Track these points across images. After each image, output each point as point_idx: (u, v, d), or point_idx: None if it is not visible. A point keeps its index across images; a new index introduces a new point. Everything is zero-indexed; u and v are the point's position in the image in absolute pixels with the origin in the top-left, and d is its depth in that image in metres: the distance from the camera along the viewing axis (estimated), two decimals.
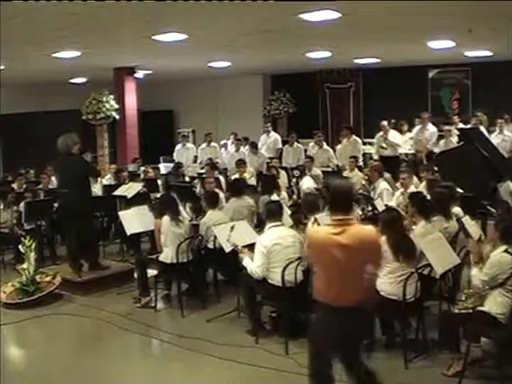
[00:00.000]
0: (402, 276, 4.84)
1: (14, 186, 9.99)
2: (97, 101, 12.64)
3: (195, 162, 12.95)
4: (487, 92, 13.21)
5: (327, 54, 11.73)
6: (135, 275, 6.98)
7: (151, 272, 6.58)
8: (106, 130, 13.30)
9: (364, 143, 12.89)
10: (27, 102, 15.16)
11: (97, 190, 9.51)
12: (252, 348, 5.29)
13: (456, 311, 4.65)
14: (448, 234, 5.58)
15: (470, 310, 4.51)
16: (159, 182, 9.97)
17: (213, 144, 13.13)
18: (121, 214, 7.31)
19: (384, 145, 11.49)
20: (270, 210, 5.58)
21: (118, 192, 8.95)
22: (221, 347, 5.29)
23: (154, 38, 8.68)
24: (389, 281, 4.89)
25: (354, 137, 11.77)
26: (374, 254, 3.76)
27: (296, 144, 12.49)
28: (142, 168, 11.41)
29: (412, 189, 7.40)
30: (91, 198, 7.59)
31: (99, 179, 9.95)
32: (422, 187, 7.54)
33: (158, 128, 17.16)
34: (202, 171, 11.25)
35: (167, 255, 6.31)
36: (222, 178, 10.23)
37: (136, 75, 13.66)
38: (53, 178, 9.54)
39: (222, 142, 13.81)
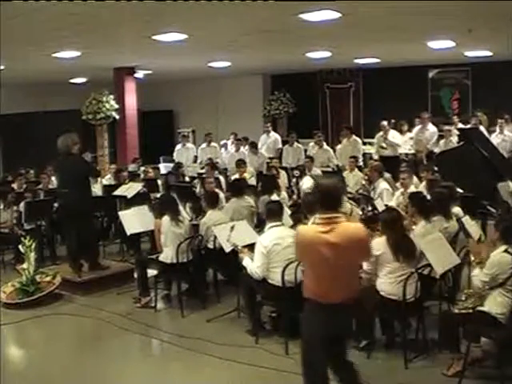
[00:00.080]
0: (402, 276, 4.84)
1: (14, 185, 9.99)
2: (97, 101, 12.64)
3: (195, 162, 12.95)
4: (487, 92, 13.21)
5: (327, 54, 11.73)
6: (135, 275, 6.98)
7: (151, 272, 6.58)
8: (106, 130, 13.30)
9: (364, 143, 12.89)
10: (27, 102, 15.16)
11: (97, 190, 9.51)
12: (252, 348, 5.29)
13: (456, 311, 4.65)
14: (448, 234, 5.58)
15: (470, 310, 4.51)
16: (159, 181, 9.97)
17: (213, 144, 13.13)
18: (121, 214, 7.31)
19: (384, 145, 11.50)
20: (270, 209, 5.58)
21: (117, 192, 8.95)
22: (221, 347, 5.29)
23: (153, 37, 8.68)
24: (389, 281, 4.89)
25: (354, 137, 11.78)
26: (363, 251, 3.78)
27: (296, 144, 12.49)
28: (142, 168, 11.41)
29: (412, 189, 7.40)
30: (91, 198, 7.58)
31: (99, 179, 9.95)
32: (422, 187, 7.54)
33: (158, 128, 17.16)
34: (202, 171, 11.25)
35: (167, 255, 6.31)
36: (221, 178, 10.24)
37: (136, 75, 13.66)
38: (53, 178, 9.55)
39: (222, 142, 13.81)
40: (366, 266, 5.05)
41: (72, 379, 4.95)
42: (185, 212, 7.06)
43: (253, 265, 5.31)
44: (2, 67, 10.83)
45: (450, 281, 5.44)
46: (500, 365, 4.42)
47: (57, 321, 6.26)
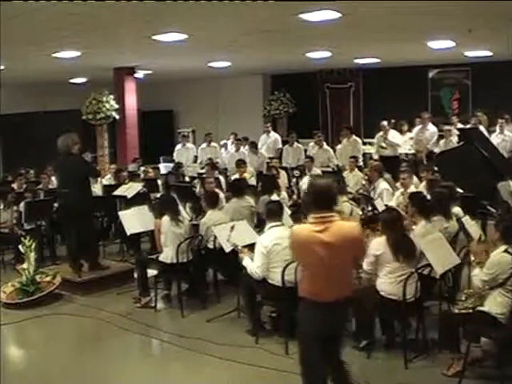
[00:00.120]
0: (402, 276, 4.84)
1: (14, 185, 9.99)
2: (97, 101, 12.64)
3: (195, 161, 12.95)
4: (487, 92, 13.21)
5: (327, 54, 11.73)
6: (135, 275, 6.98)
7: (151, 272, 6.58)
8: (106, 130, 13.30)
9: (364, 143, 12.89)
10: (27, 102, 15.16)
11: (97, 190, 9.51)
12: (252, 348, 5.29)
13: (456, 311, 4.65)
14: (448, 234, 5.58)
15: (470, 310, 4.51)
16: (159, 181, 9.98)
17: (213, 144, 13.13)
18: (121, 214, 7.31)
19: (384, 144, 11.50)
20: (271, 209, 5.58)
21: (117, 192, 8.95)
22: (221, 347, 5.29)
23: (153, 37, 8.68)
24: (389, 281, 4.89)
25: (354, 137, 11.78)
26: (357, 250, 3.80)
27: (296, 144, 12.49)
28: (142, 168, 11.41)
29: (412, 189, 7.40)
30: (91, 198, 7.58)
31: (99, 179, 9.96)
32: (422, 187, 7.54)
33: (158, 128, 17.16)
34: (202, 171, 11.25)
35: (167, 255, 6.31)
36: (221, 178, 10.24)
37: (136, 75, 13.66)
38: (53, 178, 9.55)
39: (222, 142, 13.81)
40: (365, 265, 5.06)
41: (72, 379, 4.95)
42: (185, 212, 7.06)
43: (253, 265, 5.31)
44: (2, 67, 10.83)
45: (449, 281, 5.44)
46: (500, 365, 4.42)
47: (57, 321, 6.26)
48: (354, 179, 9.23)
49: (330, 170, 10.89)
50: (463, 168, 7.89)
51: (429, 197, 6.32)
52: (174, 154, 13.26)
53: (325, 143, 12.09)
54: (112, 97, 12.84)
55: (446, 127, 11.22)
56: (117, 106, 12.86)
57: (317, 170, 10.20)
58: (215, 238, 6.27)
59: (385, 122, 11.63)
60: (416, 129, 11.80)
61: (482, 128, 11.13)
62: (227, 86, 16.79)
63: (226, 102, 16.92)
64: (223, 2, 6.34)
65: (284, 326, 5.32)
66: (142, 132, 14.49)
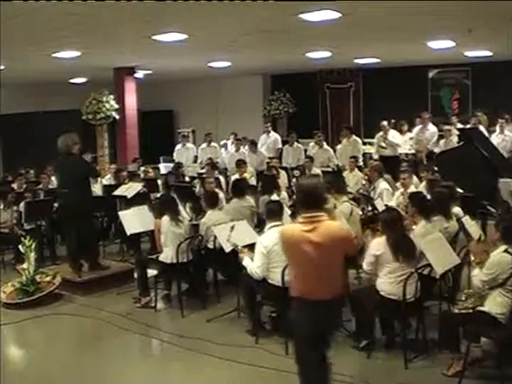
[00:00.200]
0: (401, 276, 4.84)
1: (14, 185, 9.99)
2: (97, 101, 12.63)
3: (195, 161, 12.95)
4: (487, 92, 13.21)
5: (327, 53, 11.73)
6: (135, 275, 6.98)
7: (151, 272, 6.58)
8: (106, 130, 13.30)
9: (364, 143, 12.89)
10: (27, 102, 15.16)
11: (97, 190, 9.51)
12: (252, 348, 5.29)
13: (456, 311, 4.65)
14: (448, 234, 5.58)
15: (470, 310, 4.51)
16: (159, 181, 9.98)
17: (213, 144, 13.13)
18: (121, 214, 7.31)
19: (383, 144, 11.50)
20: (271, 209, 5.58)
21: (117, 192, 8.95)
22: (221, 347, 5.29)
23: (153, 37, 8.68)
24: (389, 281, 4.89)
25: (353, 137, 11.78)
26: (347, 248, 3.81)
27: (296, 144, 12.49)
28: (142, 168, 11.41)
29: (412, 189, 7.40)
30: (91, 198, 7.58)
31: (99, 179, 9.96)
32: (422, 187, 7.54)
33: (158, 128, 17.16)
34: (202, 171, 11.25)
35: (167, 255, 6.31)
36: (221, 178, 10.24)
37: (136, 75, 13.66)
38: (53, 178, 9.55)
39: (222, 142, 13.81)
40: (365, 265, 5.07)
41: (72, 379, 4.95)
42: (185, 212, 7.06)
43: (253, 265, 5.31)
44: (2, 67, 10.83)
45: (449, 281, 5.44)
46: (500, 365, 4.42)
47: (57, 321, 6.26)
48: (354, 179, 9.23)
49: (329, 170, 10.89)
50: (463, 168, 7.89)
51: (429, 197, 6.32)
52: (174, 154, 13.26)
53: (325, 143, 12.09)
54: (112, 97, 12.84)
55: (446, 127, 11.22)
56: (117, 106, 12.85)
57: (317, 170, 10.20)
58: (215, 237, 6.27)
59: (385, 122, 11.63)
60: (416, 129, 11.81)
61: (481, 128, 11.14)
62: (227, 86, 16.79)
63: (226, 102, 16.92)
64: (223, 2, 6.34)
65: (284, 326, 5.32)
66: (142, 132, 14.48)
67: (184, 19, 7.49)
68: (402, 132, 11.90)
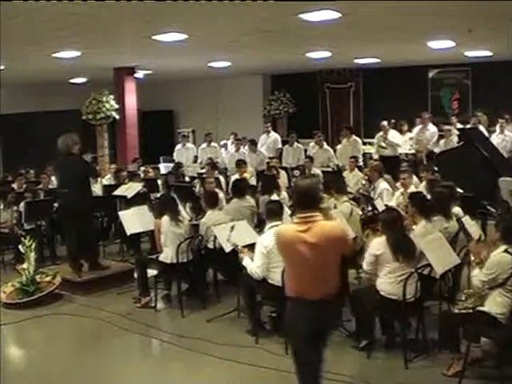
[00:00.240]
0: (401, 276, 4.85)
1: (14, 185, 9.99)
2: (97, 101, 12.63)
3: (195, 162, 12.95)
4: (487, 92, 13.21)
5: (327, 53, 11.73)
6: (135, 275, 6.98)
7: (151, 272, 6.58)
8: (106, 130, 13.30)
9: (364, 143, 12.90)
10: (27, 102, 15.16)
11: (97, 190, 9.51)
12: (252, 348, 5.29)
13: (456, 311, 4.65)
14: (448, 234, 5.58)
15: (470, 310, 4.51)
16: (159, 181, 9.98)
17: (213, 144, 13.13)
18: (121, 214, 7.31)
19: (383, 144, 11.50)
20: (271, 209, 5.58)
21: (117, 192, 8.96)
22: (221, 347, 5.29)
23: (153, 37, 8.68)
24: (389, 281, 4.90)
25: (353, 137, 11.78)
26: (342, 248, 3.82)
27: (296, 144, 12.49)
28: (142, 168, 11.41)
29: (412, 189, 7.40)
30: (91, 198, 7.58)
31: (99, 179, 9.96)
32: (422, 187, 7.54)
33: (158, 128, 17.16)
34: (202, 171, 11.25)
35: (167, 255, 6.31)
36: (221, 178, 10.24)
37: (136, 75, 13.66)
38: (53, 178, 9.55)
39: (222, 143, 13.81)
40: (365, 265, 5.07)
41: (72, 379, 4.95)
42: (185, 212, 7.06)
43: (253, 265, 5.31)
44: (2, 67, 10.83)
45: (450, 281, 5.44)
46: (500, 365, 4.43)
47: (57, 321, 6.26)
48: (354, 179, 9.23)
49: (329, 170, 10.90)
50: (463, 168, 7.90)
51: (429, 197, 6.32)
52: (174, 154, 13.26)
53: (325, 143, 12.09)
54: (112, 97, 12.84)
55: (446, 127, 11.23)
56: (117, 106, 12.85)
57: (317, 170, 10.20)
58: (215, 237, 6.27)
59: (385, 122, 11.64)
60: (416, 129, 11.81)
61: (481, 128, 11.14)
62: (227, 86, 16.79)
63: (226, 102, 16.92)
64: (223, 2, 6.34)
65: (284, 325, 5.31)
66: (141, 132, 14.48)
67: (184, 19, 7.49)
68: (402, 132, 11.90)
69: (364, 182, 8.74)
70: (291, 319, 3.75)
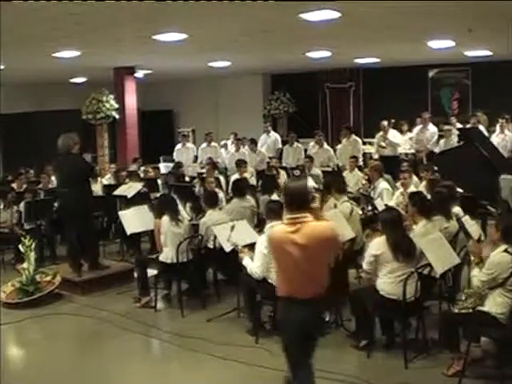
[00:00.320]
0: (401, 276, 4.85)
1: (14, 185, 9.98)
2: (97, 100, 12.64)
3: (195, 161, 12.94)
4: (487, 92, 13.21)
5: (327, 53, 11.73)
6: (135, 275, 6.98)
7: (151, 272, 6.58)
8: (106, 129, 13.30)
9: (364, 143, 12.90)
10: (27, 102, 15.17)
11: (97, 189, 9.51)
12: (252, 348, 5.29)
13: (456, 311, 4.66)
14: (448, 234, 5.58)
15: (470, 310, 4.52)
16: (159, 181, 9.98)
17: (213, 144, 13.11)
18: (121, 213, 7.31)
19: (383, 144, 11.50)
20: (271, 209, 5.58)
21: (117, 192, 8.96)
22: (221, 347, 5.29)
23: (153, 37, 8.68)
24: (389, 281, 4.90)
25: (353, 136, 11.77)
26: (332, 248, 3.91)
27: (296, 144, 12.48)
28: (143, 168, 11.41)
29: (412, 189, 7.39)
30: (91, 198, 7.58)
31: (99, 179, 9.96)
32: (422, 187, 7.54)
33: (158, 128, 17.15)
34: (202, 171, 11.24)
35: (167, 255, 6.31)
36: (221, 178, 10.24)
37: (136, 75, 13.66)
38: (53, 178, 9.54)
39: (222, 143, 13.80)
40: (365, 265, 5.07)
41: (72, 379, 4.95)
42: (185, 212, 7.06)
43: (253, 264, 5.31)
44: (2, 67, 10.83)
45: (450, 281, 5.44)
46: (500, 365, 4.43)
47: (57, 320, 6.26)
48: (354, 179, 9.22)
49: (329, 169, 10.89)
50: (463, 168, 7.89)
51: (429, 197, 6.32)
52: (174, 154, 13.24)
53: (325, 143, 12.09)
54: (112, 96, 12.85)
55: (446, 127, 11.23)
56: (117, 106, 12.86)
57: (316, 170, 10.20)
58: (215, 237, 6.27)
59: (385, 122, 11.64)
60: (416, 129, 11.81)
61: (481, 127, 11.14)
62: (227, 86, 16.79)
63: (226, 101, 16.92)
64: (223, 2, 6.34)
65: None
66: (141, 132, 14.47)
67: (184, 19, 7.49)
68: (402, 132, 11.91)
69: (364, 181, 8.74)
70: (282, 318, 3.81)
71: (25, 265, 6.77)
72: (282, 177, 9.94)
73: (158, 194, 8.86)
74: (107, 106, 12.66)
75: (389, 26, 8.37)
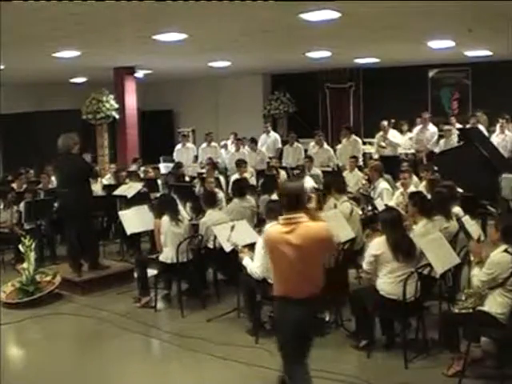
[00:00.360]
0: (401, 276, 4.85)
1: (14, 185, 9.99)
2: (97, 100, 12.64)
3: (195, 161, 12.94)
4: (487, 92, 13.21)
5: (327, 53, 11.73)
6: (135, 275, 6.98)
7: (151, 272, 6.58)
8: (106, 129, 13.30)
9: (364, 143, 12.90)
10: (27, 102, 15.16)
11: (97, 189, 9.51)
12: (252, 348, 5.29)
13: (456, 311, 4.65)
14: (448, 234, 5.58)
15: (470, 310, 4.51)
16: (159, 181, 9.98)
17: (213, 144, 13.11)
18: (121, 213, 7.32)
19: (383, 144, 11.50)
20: (271, 209, 5.57)
21: (117, 192, 8.96)
22: (221, 347, 5.29)
23: (153, 37, 8.68)
24: (389, 281, 4.90)
25: (353, 136, 11.77)
26: (327, 248, 3.92)
27: (296, 144, 12.49)
28: (143, 168, 11.41)
29: (412, 189, 7.39)
30: (91, 198, 7.58)
31: (99, 179, 9.95)
32: (422, 187, 7.54)
33: (158, 128, 17.14)
34: (202, 171, 11.24)
35: (167, 255, 6.31)
36: (222, 178, 10.24)
37: (136, 75, 13.66)
38: (53, 178, 9.54)
39: (222, 143, 13.80)
40: (365, 265, 5.07)
41: (72, 379, 4.95)
42: (185, 212, 7.06)
43: (253, 264, 5.31)
44: (2, 67, 10.83)
45: (450, 281, 5.44)
46: (500, 365, 4.43)
47: (57, 320, 6.26)
48: (354, 179, 9.22)
49: (329, 169, 10.89)
50: (463, 168, 7.90)
51: (429, 197, 6.32)
52: (174, 154, 13.24)
53: (325, 143, 12.09)
54: (112, 96, 12.84)
55: (446, 127, 11.23)
56: (117, 106, 12.85)
57: (316, 170, 10.20)
58: (215, 237, 6.27)
59: (385, 122, 11.64)
60: (416, 129, 11.81)
61: (481, 127, 11.14)
62: (227, 86, 16.79)
63: (226, 101, 16.92)
64: (223, 2, 6.34)
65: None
66: (141, 132, 14.47)
67: (184, 19, 7.49)
68: (402, 132, 11.90)
69: (364, 181, 8.74)
70: (278, 318, 3.86)
71: (25, 265, 6.77)
72: (282, 177, 9.94)
73: (158, 194, 8.87)
74: (107, 105, 12.66)
75: (389, 26, 8.37)
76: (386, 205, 7.08)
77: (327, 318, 5.61)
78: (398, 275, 4.86)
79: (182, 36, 8.66)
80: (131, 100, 13.54)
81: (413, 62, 13.34)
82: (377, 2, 6.54)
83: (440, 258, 5.02)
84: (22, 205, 8.49)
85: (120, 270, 7.51)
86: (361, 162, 10.86)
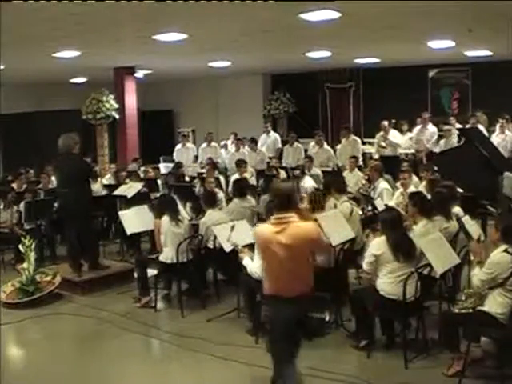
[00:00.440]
0: (401, 276, 4.85)
1: (14, 185, 9.99)
2: (97, 100, 12.64)
3: (195, 161, 12.94)
4: (487, 92, 13.21)
5: (327, 53, 11.73)
6: (135, 275, 6.98)
7: (151, 272, 6.58)
8: (106, 129, 13.30)
9: (364, 143, 12.90)
10: (27, 102, 15.16)
11: (97, 189, 9.51)
12: (252, 348, 5.29)
13: (456, 311, 4.65)
14: (448, 234, 5.58)
15: (470, 310, 4.52)
16: (159, 181, 9.97)
17: (213, 144, 13.12)
18: (121, 213, 7.31)
19: (383, 144, 11.50)
20: (271, 209, 5.56)
21: (117, 192, 8.96)
22: (221, 347, 5.29)
23: (153, 37, 8.68)
24: (389, 281, 4.90)
25: (353, 136, 11.78)
26: (316, 247, 4.03)
27: (296, 144, 12.49)
28: (142, 168, 11.41)
29: (412, 189, 7.39)
30: (91, 198, 7.58)
31: (99, 179, 9.95)
32: (422, 187, 7.54)
33: (158, 128, 17.14)
34: (202, 171, 11.24)
35: (167, 255, 6.31)
36: (222, 178, 10.23)
37: (136, 75, 13.66)
38: (53, 178, 9.55)
39: (222, 143, 13.80)
40: (365, 265, 5.07)
41: (72, 379, 4.95)
42: (185, 212, 7.06)
43: (253, 264, 5.29)
44: (2, 67, 10.83)
45: (450, 281, 5.44)
46: (500, 365, 4.43)
47: (57, 320, 6.26)
48: (354, 179, 9.22)
49: (329, 169, 10.89)
50: (463, 168, 7.90)
51: (429, 197, 6.31)
52: (174, 154, 13.24)
53: (325, 143, 12.09)
54: (112, 96, 12.84)
55: (446, 127, 11.23)
56: (117, 106, 12.85)
57: (316, 170, 10.20)
58: (215, 237, 6.27)
59: (385, 122, 11.64)
60: (416, 129, 11.82)
61: (481, 127, 11.14)
62: (227, 86, 16.79)
63: (226, 101, 16.92)
64: (223, 2, 6.34)
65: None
66: (141, 132, 14.46)
67: (184, 19, 7.49)
68: (402, 132, 11.90)
69: (364, 181, 8.74)
70: (271, 317, 3.91)
71: (25, 265, 6.77)
72: (282, 177, 9.94)
73: (158, 194, 8.87)
74: (107, 105, 12.66)
75: (389, 26, 8.37)
76: (385, 205, 7.08)
77: (327, 318, 5.60)
78: (398, 275, 4.86)
79: (182, 36, 8.66)
80: (131, 100, 13.54)
81: (413, 61, 13.34)
82: (377, 1, 6.54)
83: (440, 258, 5.02)
84: (22, 205, 8.49)
85: (120, 270, 7.51)
86: (361, 162, 10.85)
